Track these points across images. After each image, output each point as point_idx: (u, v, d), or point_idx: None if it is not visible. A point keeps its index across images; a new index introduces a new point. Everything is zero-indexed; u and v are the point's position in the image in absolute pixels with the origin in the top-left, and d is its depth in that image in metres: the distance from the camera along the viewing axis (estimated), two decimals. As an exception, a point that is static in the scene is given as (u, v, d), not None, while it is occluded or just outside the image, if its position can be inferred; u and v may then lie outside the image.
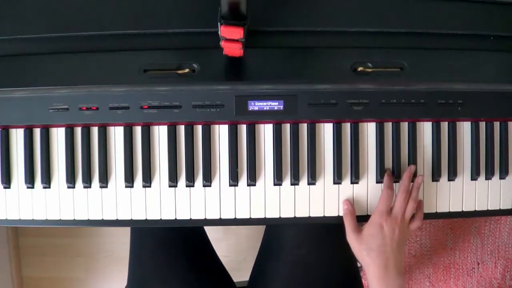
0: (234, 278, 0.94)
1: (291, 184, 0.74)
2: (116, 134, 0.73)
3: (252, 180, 0.73)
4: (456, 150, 0.75)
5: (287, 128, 0.73)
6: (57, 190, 0.73)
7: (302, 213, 0.74)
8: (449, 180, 0.76)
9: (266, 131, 0.73)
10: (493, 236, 1.01)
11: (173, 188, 0.73)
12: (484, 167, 0.76)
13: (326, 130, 0.74)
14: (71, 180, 0.72)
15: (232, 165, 0.73)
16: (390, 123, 0.74)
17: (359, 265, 0.86)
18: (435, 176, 0.75)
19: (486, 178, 0.76)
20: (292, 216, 0.74)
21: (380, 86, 0.71)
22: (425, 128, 0.75)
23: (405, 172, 0.73)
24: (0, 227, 1.39)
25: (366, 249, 0.69)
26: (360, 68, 0.69)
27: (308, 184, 0.74)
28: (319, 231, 0.82)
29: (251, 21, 0.60)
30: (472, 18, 0.73)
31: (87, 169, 0.72)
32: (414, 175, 0.74)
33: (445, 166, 0.76)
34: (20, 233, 1.47)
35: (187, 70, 0.68)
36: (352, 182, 0.74)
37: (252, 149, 0.73)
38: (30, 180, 0.72)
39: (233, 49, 0.62)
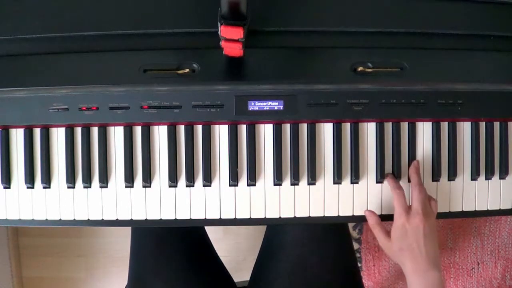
0: (234, 278, 0.94)
1: (291, 184, 0.74)
2: (116, 134, 0.73)
3: (252, 180, 0.73)
4: (456, 150, 0.75)
5: (287, 128, 0.73)
6: (57, 190, 0.73)
7: (302, 213, 0.74)
8: (449, 180, 0.76)
9: (266, 131, 0.73)
10: (493, 236, 1.01)
11: (173, 188, 0.73)
12: (484, 167, 0.76)
13: (326, 130, 0.74)
14: (71, 180, 0.72)
15: (232, 165, 0.73)
16: (390, 123, 0.74)
17: (359, 265, 0.86)
18: (435, 176, 0.75)
19: (486, 178, 0.76)
20: (292, 216, 0.74)
21: (380, 86, 0.71)
22: (425, 128, 0.75)
23: (411, 169, 0.73)
24: (0, 227, 1.39)
25: (398, 250, 0.70)
26: (360, 68, 0.69)
27: (308, 184, 0.74)
28: (319, 231, 0.83)
29: (251, 21, 0.61)
30: (472, 18, 0.73)
31: (87, 169, 0.72)
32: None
33: (445, 166, 0.76)
34: (20, 233, 1.47)
35: (187, 70, 0.68)
36: (352, 182, 0.74)
37: (252, 149, 0.73)
38: (30, 180, 0.72)
39: (233, 49, 0.62)
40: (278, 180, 0.73)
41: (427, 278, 0.68)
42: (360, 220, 0.74)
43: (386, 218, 0.74)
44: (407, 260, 0.69)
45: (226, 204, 0.73)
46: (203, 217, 0.74)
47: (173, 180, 0.73)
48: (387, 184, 0.74)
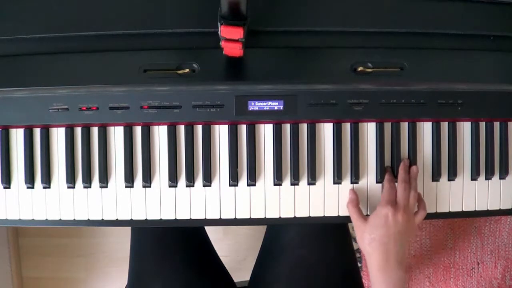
0: (234, 278, 0.94)
1: (291, 184, 0.74)
2: (116, 134, 0.73)
3: (252, 180, 0.73)
4: (456, 150, 0.75)
5: (287, 128, 0.73)
6: (57, 190, 0.73)
7: (302, 213, 0.74)
8: (449, 180, 0.76)
9: (266, 131, 0.73)
10: (493, 236, 1.01)
11: (173, 188, 0.73)
12: (484, 167, 0.76)
13: (326, 130, 0.74)
14: (71, 180, 0.72)
15: (232, 165, 0.73)
16: (390, 123, 0.74)
17: (359, 265, 0.86)
18: (435, 176, 0.75)
19: (486, 178, 0.76)
20: (292, 216, 0.74)
21: (380, 86, 0.71)
22: (425, 128, 0.75)
23: (400, 166, 0.73)
24: (0, 227, 1.39)
25: (368, 238, 0.69)
26: (360, 68, 0.69)
27: (308, 184, 0.74)
28: (320, 231, 0.82)
29: (251, 21, 0.60)
30: (472, 18, 0.73)
31: (87, 169, 0.72)
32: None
33: (445, 166, 0.76)
34: (20, 233, 1.47)
35: (187, 70, 0.68)
36: (352, 182, 0.74)
37: (252, 149, 0.73)
38: (30, 180, 0.72)
39: (233, 49, 0.62)
40: (278, 180, 0.73)
41: (392, 276, 0.68)
42: (360, 220, 0.74)
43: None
44: (375, 253, 0.68)
45: (226, 204, 0.73)
46: (203, 217, 0.74)
47: (173, 180, 0.73)
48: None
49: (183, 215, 0.73)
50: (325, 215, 0.74)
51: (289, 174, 0.74)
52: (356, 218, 0.71)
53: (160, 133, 0.73)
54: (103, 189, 0.73)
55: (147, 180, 0.73)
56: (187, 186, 0.73)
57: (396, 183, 0.72)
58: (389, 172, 0.73)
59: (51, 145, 0.73)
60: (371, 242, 0.69)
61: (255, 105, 0.71)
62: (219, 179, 0.73)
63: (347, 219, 0.75)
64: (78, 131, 0.73)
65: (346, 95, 0.71)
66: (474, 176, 0.76)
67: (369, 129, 0.74)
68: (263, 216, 0.74)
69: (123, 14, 0.69)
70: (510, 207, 0.77)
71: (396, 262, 0.68)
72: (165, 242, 0.83)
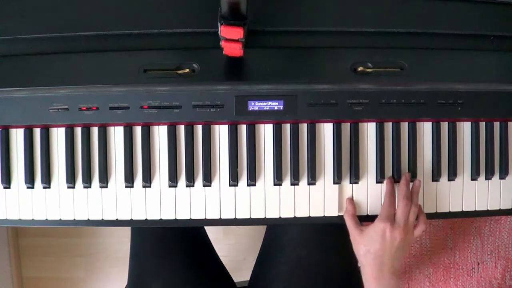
0: (234, 278, 0.94)
1: (291, 184, 0.74)
2: (116, 134, 0.73)
3: (252, 180, 0.73)
4: (456, 150, 0.75)
5: (287, 128, 0.73)
6: (57, 190, 0.73)
7: (302, 213, 0.74)
8: (449, 180, 0.76)
9: (266, 131, 0.73)
10: (493, 236, 1.01)
11: (173, 188, 0.73)
12: (484, 167, 0.76)
13: (326, 130, 0.74)
14: (71, 180, 0.72)
15: (232, 165, 0.73)
16: (390, 123, 0.74)
17: (359, 265, 0.86)
18: (435, 176, 0.75)
19: (486, 178, 0.76)
20: (292, 216, 0.74)
21: (380, 86, 0.71)
22: (425, 128, 0.75)
23: (401, 180, 0.73)
24: (0, 227, 1.39)
25: (363, 249, 0.70)
26: (360, 68, 0.69)
27: (308, 184, 0.74)
28: (320, 232, 0.83)
29: (251, 21, 0.60)
30: (472, 18, 0.73)
31: (87, 169, 0.72)
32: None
33: (445, 166, 0.76)
34: (20, 233, 1.47)
35: (187, 70, 0.68)
36: (352, 182, 0.74)
37: (252, 149, 0.73)
38: (30, 180, 0.72)
39: (233, 49, 0.62)
40: (278, 180, 0.73)
41: (386, 285, 0.69)
42: (360, 220, 0.74)
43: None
44: (369, 264, 0.69)
45: (226, 204, 0.73)
46: (203, 217, 0.73)
47: (173, 180, 0.73)
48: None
49: (183, 215, 0.73)
50: (325, 215, 0.74)
51: (289, 174, 0.74)
52: (352, 228, 0.71)
53: (160, 133, 0.73)
54: (103, 189, 0.73)
55: (147, 180, 0.73)
56: (187, 186, 0.73)
57: (395, 195, 0.72)
58: (391, 182, 0.73)
59: (51, 145, 0.73)
60: (366, 253, 0.69)
61: (255, 105, 0.71)
62: (219, 179, 0.73)
63: (347, 219, 0.74)
64: (78, 131, 0.73)
65: (346, 95, 0.71)
66: (474, 176, 0.76)
67: (369, 129, 0.74)
68: (263, 216, 0.74)
69: (123, 14, 0.69)
70: (510, 207, 0.77)
71: (390, 272, 0.69)
72: (165, 242, 0.83)
